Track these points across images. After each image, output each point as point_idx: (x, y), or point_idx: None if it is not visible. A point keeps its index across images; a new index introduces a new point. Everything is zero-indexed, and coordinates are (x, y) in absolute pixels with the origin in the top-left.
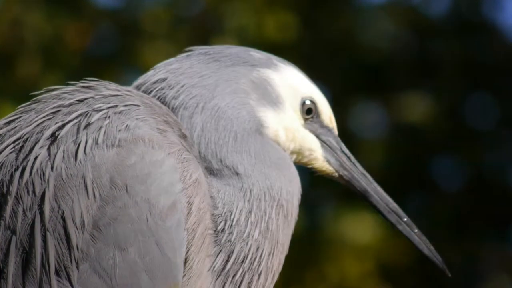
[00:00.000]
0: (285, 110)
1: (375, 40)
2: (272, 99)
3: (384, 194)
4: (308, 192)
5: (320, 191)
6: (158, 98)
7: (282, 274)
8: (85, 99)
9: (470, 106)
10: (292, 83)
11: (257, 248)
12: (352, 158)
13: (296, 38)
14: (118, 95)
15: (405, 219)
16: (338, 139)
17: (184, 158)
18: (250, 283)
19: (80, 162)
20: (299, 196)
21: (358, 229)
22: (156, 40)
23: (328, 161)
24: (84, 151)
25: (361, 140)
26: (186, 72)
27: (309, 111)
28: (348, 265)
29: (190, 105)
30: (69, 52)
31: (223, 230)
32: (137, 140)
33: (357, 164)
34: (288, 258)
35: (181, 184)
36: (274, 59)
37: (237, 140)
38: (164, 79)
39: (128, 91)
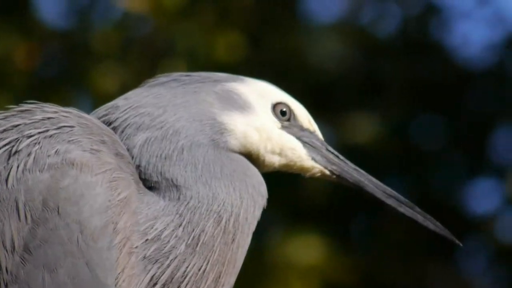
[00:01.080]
0: (256, 113)
1: (323, 60)
2: (239, 105)
3: (379, 182)
4: None
5: (267, 212)
6: (106, 120)
7: None
8: (18, 125)
9: (418, 126)
10: (260, 90)
11: (183, 263)
12: (341, 156)
13: (245, 58)
14: (52, 117)
15: (405, 201)
16: (323, 141)
17: (114, 177)
18: None
19: (13, 186)
20: (255, 210)
21: (305, 250)
22: (106, 61)
23: (314, 159)
24: (16, 175)
25: None
26: (141, 95)
27: (283, 114)
28: (294, 286)
29: (134, 123)
30: (18, 72)
31: (145, 246)
32: (68, 164)
33: (347, 161)
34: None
35: (109, 203)
36: (241, 76)
37: (183, 153)
38: (116, 104)
39: (67, 112)
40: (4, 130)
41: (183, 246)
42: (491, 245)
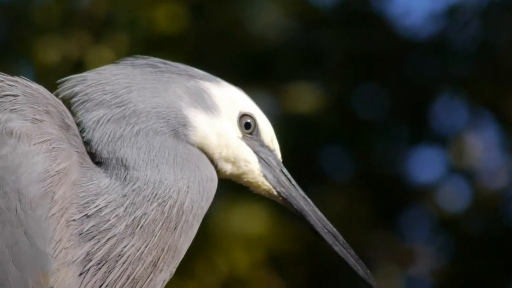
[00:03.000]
0: (221, 118)
1: (264, 31)
2: (207, 105)
3: (322, 216)
4: None
5: None
6: (72, 91)
7: None
8: None
9: (359, 96)
10: (232, 97)
11: (120, 242)
12: (293, 181)
13: (186, 29)
14: None
15: (342, 241)
16: (280, 161)
17: (54, 147)
18: (118, 279)
19: None
20: (202, 202)
21: (248, 220)
22: (47, 33)
23: (265, 176)
24: None
25: None
26: (112, 72)
27: (247, 126)
28: (237, 256)
29: (96, 98)
30: None
31: (83, 221)
32: (7, 133)
33: (297, 187)
34: None
35: (48, 173)
36: (218, 78)
37: (139, 137)
38: (85, 77)
39: (13, 81)
40: None
41: (122, 226)
42: (434, 214)
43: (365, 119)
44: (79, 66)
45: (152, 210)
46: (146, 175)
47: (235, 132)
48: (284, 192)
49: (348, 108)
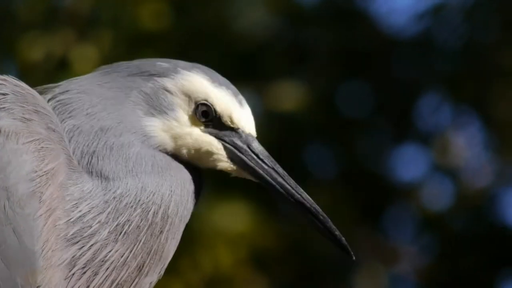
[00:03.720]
0: (176, 117)
1: (248, 28)
2: (163, 107)
3: (289, 187)
4: None
5: None
6: (55, 98)
7: None
8: None
9: (344, 94)
10: (187, 89)
11: (104, 248)
12: (262, 155)
13: (170, 27)
14: None
15: (313, 210)
16: (248, 138)
17: (42, 147)
18: (102, 284)
19: None
20: (188, 203)
21: (232, 217)
22: (31, 30)
23: (233, 160)
24: None
25: None
26: (85, 80)
27: (205, 114)
28: (221, 253)
29: (71, 108)
30: None
31: (68, 225)
32: None
33: (267, 160)
34: None
35: (36, 173)
36: (180, 66)
37: (113, 151)
38: (68, 87)
39: (2, 79)
40: None
41: (105, 232)
42: (418, 212)
43: (350, 116)
44: (63, 64)
45: (136, 216)
46: (127, 183)
47: (193, 126)
48: (252, 173)
49: (333, 105)
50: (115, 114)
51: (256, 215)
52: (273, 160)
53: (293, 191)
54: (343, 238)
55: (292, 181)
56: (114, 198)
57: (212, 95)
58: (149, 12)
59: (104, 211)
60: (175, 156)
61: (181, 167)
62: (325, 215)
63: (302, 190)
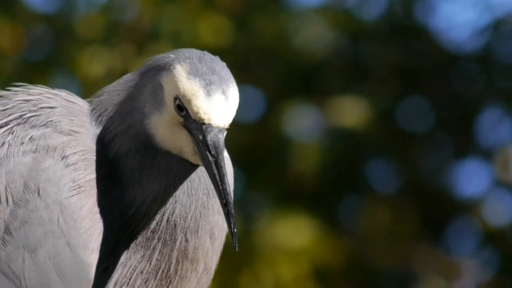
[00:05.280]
0: (165, 112)
1: (309, 44)
2: (159, 102)
3: (217, 180)
4: (243, 196)
5: (255, 195)
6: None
7: (216, 279)
8: None
9: (404, 109)
10: (171, 85)
11: (128, 261)
12: (211, 146)
13: (230, 42)
14: (31, 100)
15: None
16: (207, 129)
17: (86, 158)
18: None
19: None
20: (198, 203)
21: (293, 233)
22: (91, 44)
23: (197, 153)
24: None
25: (296, 143)
26: (122, 79)
27: (179, 109)
28: (283, 269)
29: (98, 114)
30: (4, 57)
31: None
32: (47, 146)
33: (213, 151)
34: (222, 262)
35: (82, 185)
36: (178, 57)
37: (128, 156)
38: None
39: (54, 94)
40: None
41: (123, 246)
42: (479, 227)
43: (411, 131)
44: None
45: (141, 227)
46: (134, 196)
47: (175, 120)
48: (206, 165)
49: (393, 120)
50: (127, 118)
51: (318, 230)
52: (217, 151)
53: (221, 188)
54: (235, 230)
55: (223, 177)
56: (121, 210)
57: (181, 89)
58: (209, 27)
59: (117, 224)
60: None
61: (182, 167)
62: (230, 205)
63: (227, 187)
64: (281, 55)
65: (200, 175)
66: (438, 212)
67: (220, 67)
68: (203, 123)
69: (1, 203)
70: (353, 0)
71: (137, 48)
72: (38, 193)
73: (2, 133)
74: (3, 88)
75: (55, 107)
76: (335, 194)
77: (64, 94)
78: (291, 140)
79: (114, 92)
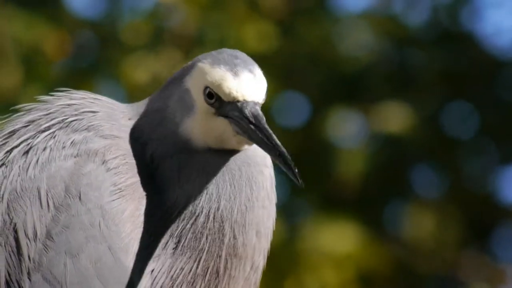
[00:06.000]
0: (197, 110)
1: (354, 50)
2: (188, 106)
3: (268, 143)
4: (287, 201)
5: (299, 200)
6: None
7: (262, 285)
8: (35, 120)
9: (449, 115)
10: (198, 81)
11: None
12: (251, 117)
13: (275, 48)
14: (74, 104)
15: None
16: (243, 105)
17: (127, 162)
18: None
19: (34, 176)
20: (243, 197)
21: (338, 238)
22: (137, 51)
23: (238, 133)
24: (35, 166)
25: (341, 149)
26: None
27: (210, 96)
28: (327, 274)
29: (149, 114)
30: (49, 62)
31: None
32: (89, 150)
33: (255, 121)
34: (268, 268)
35: (123, 190)
36: (199, 58)
37: (165, 162)
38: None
39: (95, 98)
40: (23, 126)
41: (169, 250)
42: None
43: (455, 137)
44: None
45: (191, 226)
46: (176, 196)
47: (208, 112)
48: (248, 137)
49: (438, 126)
50: (161, 128)
51: (362, 235)
52: (258, 119)
53: (272, 145)
54: (296, 170)
55: (271, 136)
56: (164, 213)
57: (209, 78)
58: (254, 33)
59: (158, 225)
60: (215, 149)
61: (221, 162)
62: (287, 156)
63: (276, 141)
64: (326, 60)
65: (240, 165)
66: (484, 218)
67: (241, 54)
68: (238, 101)
69: (42, 208)
70: (399, 6)
71: (183, 54)
72: (80, 197)
73: (44, 138)
74: (48, 94)
75: (97, 112)
76: (380, 200)
77: (104, 98)
78: (336, 146)
79: (152, 99)
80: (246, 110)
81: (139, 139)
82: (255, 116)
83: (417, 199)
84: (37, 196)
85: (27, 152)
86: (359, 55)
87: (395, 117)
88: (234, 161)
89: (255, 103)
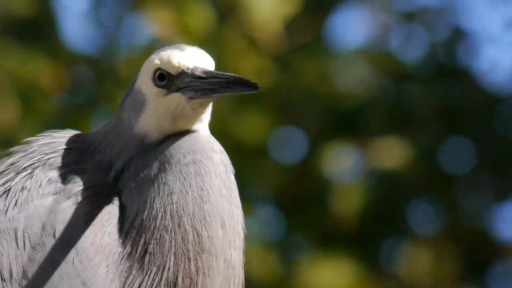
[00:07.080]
0: (150, 99)
1: (351, 85)
2: (140, 104)
3: (222, 81)
4: (283, 238)
5: (296, 237)
6: None
7: None
8: (14, 163)
9: (446, 150)
10: (146, 72)
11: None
12: (202, 74)
13: (273, 83)
14: (53, 142)
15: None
16: (193, 69)
17: (99, 192)
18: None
19: (13, 217)
20: (195, 191)
21: (334, 275)
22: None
23: (192, 98)
24: (14, 207)
25: (338, 185)
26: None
27: (161, 78)
28: None
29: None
30: (46, 97)
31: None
32: (63, 188)
33: (205, 75)
34: None
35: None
36: (155, 53)
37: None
38: None
39: (76, 135)
40: (4, 170)
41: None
42: None
43: (452, 173)
44: None
45: (153, 233)
46: (137, 206)
47: (160, 96)
48: (202, 93)
49: (435, 162)
50: (120, 139)
51: (359, 272)
52: (210, 73)
53: (232, 79)
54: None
55: (224, 75)
56: (130, 228)
57: (157, 60)
58: (251, 68)
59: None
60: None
61: (170, 153)
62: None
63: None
64: (323, 96)
65: (185, 153)
66: (480, 255)
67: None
68: (188, 68)
69: (18, 248)
70: (395, 42)
71: None
72: (54, 235)
73: (22, 178)
74: (45, 129)
75: (71, 147)
76: (376, 236)
77: (74, 132)
78: (333, 182)
79: (108, 122)
80: (197, 72)
81: (102, 162)
82: (206, 72)
83: (413, 235)
84: (13, 236)
85: (6, 194)
86: (356, 90)
87: (392, 153)
88: (180, 149)
89: (204, 70)
